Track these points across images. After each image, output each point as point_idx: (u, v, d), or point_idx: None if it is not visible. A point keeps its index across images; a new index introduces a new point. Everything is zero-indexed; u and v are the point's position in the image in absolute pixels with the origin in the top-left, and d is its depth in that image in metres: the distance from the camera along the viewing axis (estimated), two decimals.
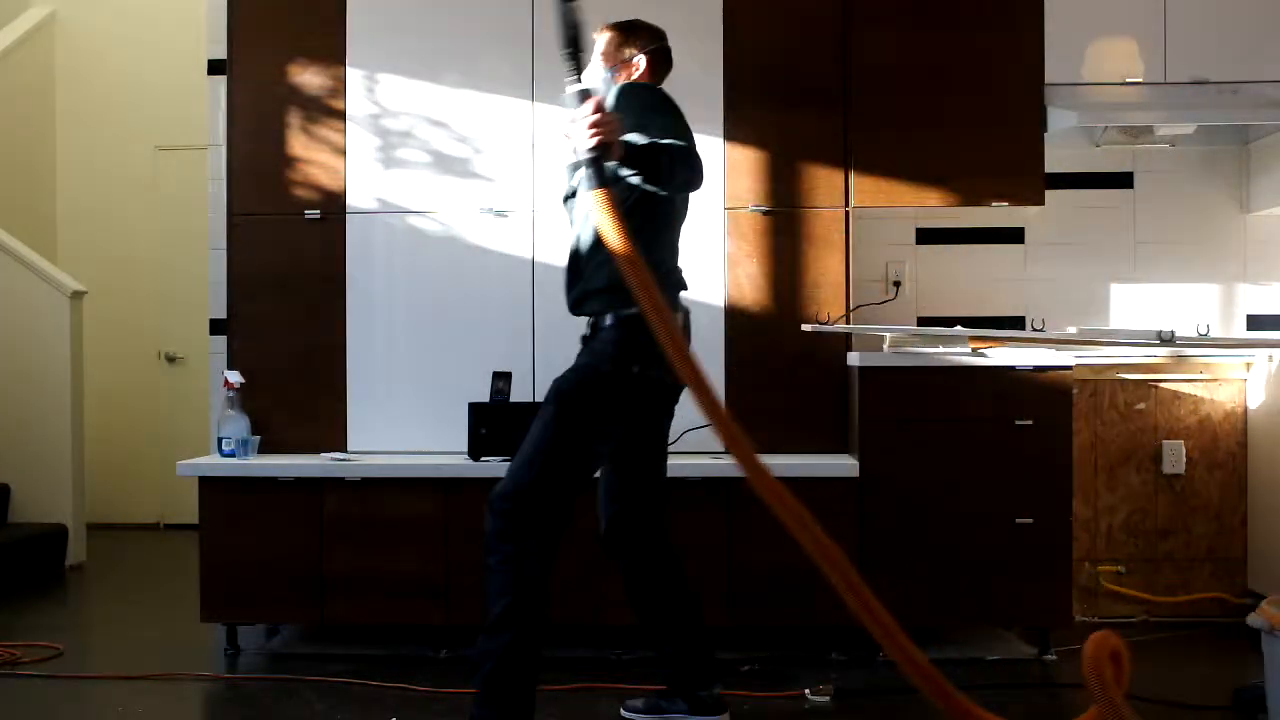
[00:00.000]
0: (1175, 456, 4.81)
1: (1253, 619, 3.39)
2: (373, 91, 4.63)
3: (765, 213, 4.57)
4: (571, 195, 3.57)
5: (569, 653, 4.31)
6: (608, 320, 3.35)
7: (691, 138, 3.34)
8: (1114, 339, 4.71)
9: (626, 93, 3.37)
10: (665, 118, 3.31)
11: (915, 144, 4.55)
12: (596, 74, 3.53)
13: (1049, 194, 4.60)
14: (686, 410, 4.52)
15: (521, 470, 3.23)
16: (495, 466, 4.30)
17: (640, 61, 3.58)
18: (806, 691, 3.85)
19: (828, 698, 3.81)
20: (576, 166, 3.49)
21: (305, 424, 4.60)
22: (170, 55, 7.36)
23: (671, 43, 4.58)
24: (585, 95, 2.79)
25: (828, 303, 4.56)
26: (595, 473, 3.44)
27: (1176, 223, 5.05)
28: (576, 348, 4.54)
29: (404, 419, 4.60)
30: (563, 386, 3.34)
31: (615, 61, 3.57)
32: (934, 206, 4.69)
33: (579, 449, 3.27)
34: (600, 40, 3.60)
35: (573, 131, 2.80)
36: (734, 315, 4.56)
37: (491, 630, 3.17)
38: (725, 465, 4.30)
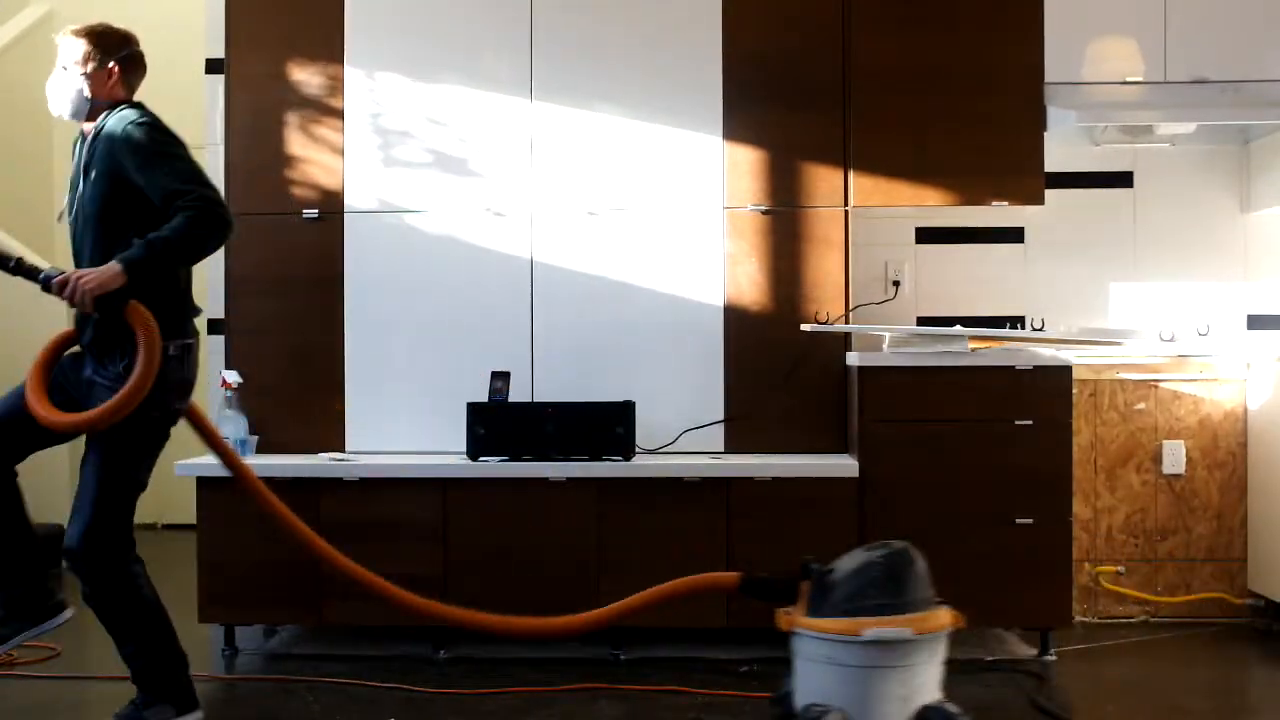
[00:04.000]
0: (1175, 457, 4.81)
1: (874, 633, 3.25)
2: (371, 91, 4.62)
3: (765, 212, 4.56)
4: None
5: (569, 653, 4.30)
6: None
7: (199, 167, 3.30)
8: (1113, 339, 4.71)
9: (129, 143, 3.27)
10: (177, 161, 3.26)
11: (915, 143, 4.54)
12: (70, 85, 3.36)
13: (1049, 193, 4.58)
14: (685, 410, 4.54)
15: None
16: (494, 466, 4.29)
17: (115, 70, 3.41)
18: None
19: None
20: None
21: (303, 424, 4.58)
22: (167, 54, 7.30)
23: (670, 42, 4.60)
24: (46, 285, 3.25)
25: (827, 302, 4.55)
26: None
27: (1177, 222, 5.03)
28: (575, 347, 4.56)
29: (402, 419, 4.58)
30: None
31: (89, 71, 3.38)
32: (933, 206, 4.68)
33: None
34: (71, 47, 3.37)
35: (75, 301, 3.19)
36: (733, 315, 4.56)
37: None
38: (725, 465, 4.29)
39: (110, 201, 3.30)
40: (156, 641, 3.41)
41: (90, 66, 3.39)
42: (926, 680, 3.20)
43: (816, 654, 3.25)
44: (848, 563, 3.29)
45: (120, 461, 3.34)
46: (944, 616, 3.21)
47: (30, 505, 6.37)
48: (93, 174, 3.32)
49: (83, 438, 3.41)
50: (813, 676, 3.26)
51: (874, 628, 3.17)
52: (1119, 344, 4.75)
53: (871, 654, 3.19)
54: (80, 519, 3.34)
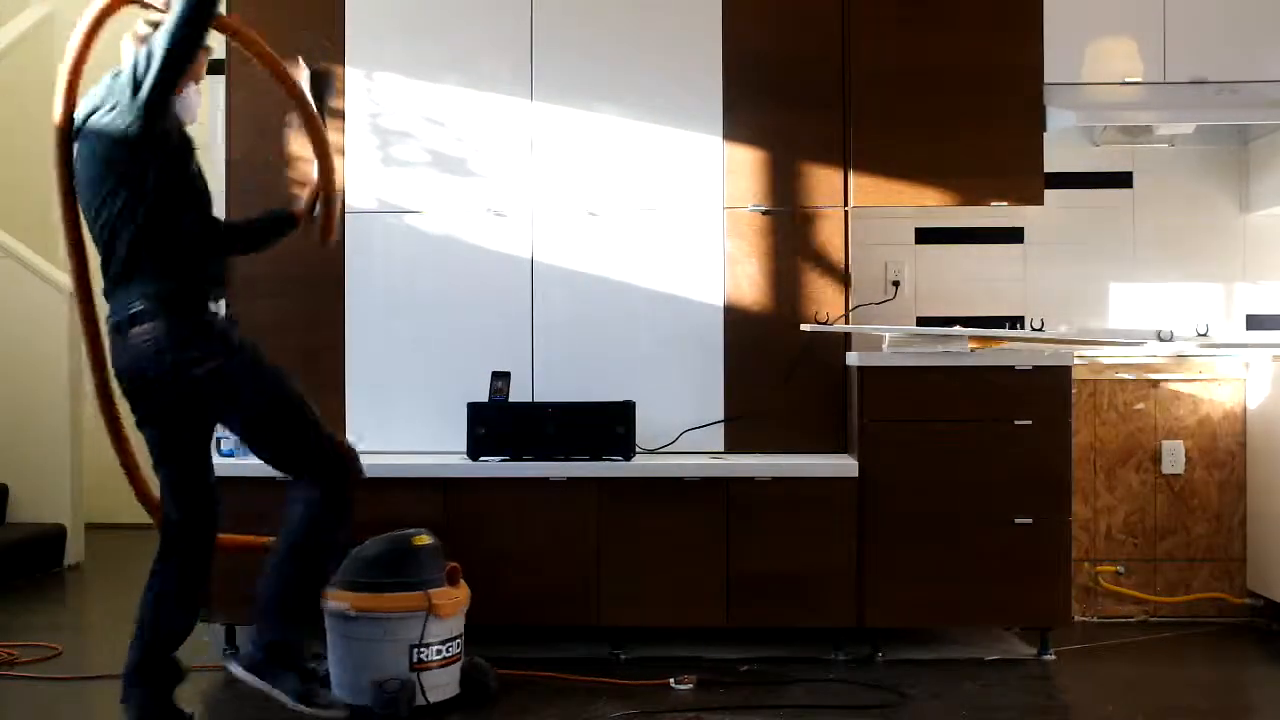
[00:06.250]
0: (1174, 456, 4.81)
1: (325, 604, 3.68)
2: (371, 91, 4.62)
3: (764, 212, 4.57)
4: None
5: (569, 653, 4.31)
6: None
7: None
8: (1112, 339, 4.72)
9: None
10: None
11: (914, 143, 4.54)
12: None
13: (1048, 193, 4.59)
14: (685, 410, 4.54)
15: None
16: (494, 466, 4.30)
17: None
18: (671, 681, 3.90)
19: (690, 686, 3.87)
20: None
21: None
22: None
23: (670, 43, 4.62)
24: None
25: (827, 302, 4.56)
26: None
27: (1176, 222, 5.04)
28: (576, 347, 4.57)
29: (403, 419, 4.59)
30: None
31: None
32: (933, 206, 4.69)
33: None
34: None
35: None
36: (733, 315, 4.56)
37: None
38: (725, 465, 4.30)
39: None
40: None
41: None
42: (388, 654, 3.57)
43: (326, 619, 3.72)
44: (365, 545, 3.71)
45: None
46: (410, 599, 3.58)
47: (29, 505, 6.39)
48: None
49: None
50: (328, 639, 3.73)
51: (328, 600, 3.62)
52: (1118, 344, 4.76)
53: (329, 621, 3.66)
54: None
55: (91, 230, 3.37)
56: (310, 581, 3.48)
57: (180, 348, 3.29)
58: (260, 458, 3.52)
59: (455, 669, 3.72)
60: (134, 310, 3.30)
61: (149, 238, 3.29)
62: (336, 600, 3.65)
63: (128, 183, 3.26)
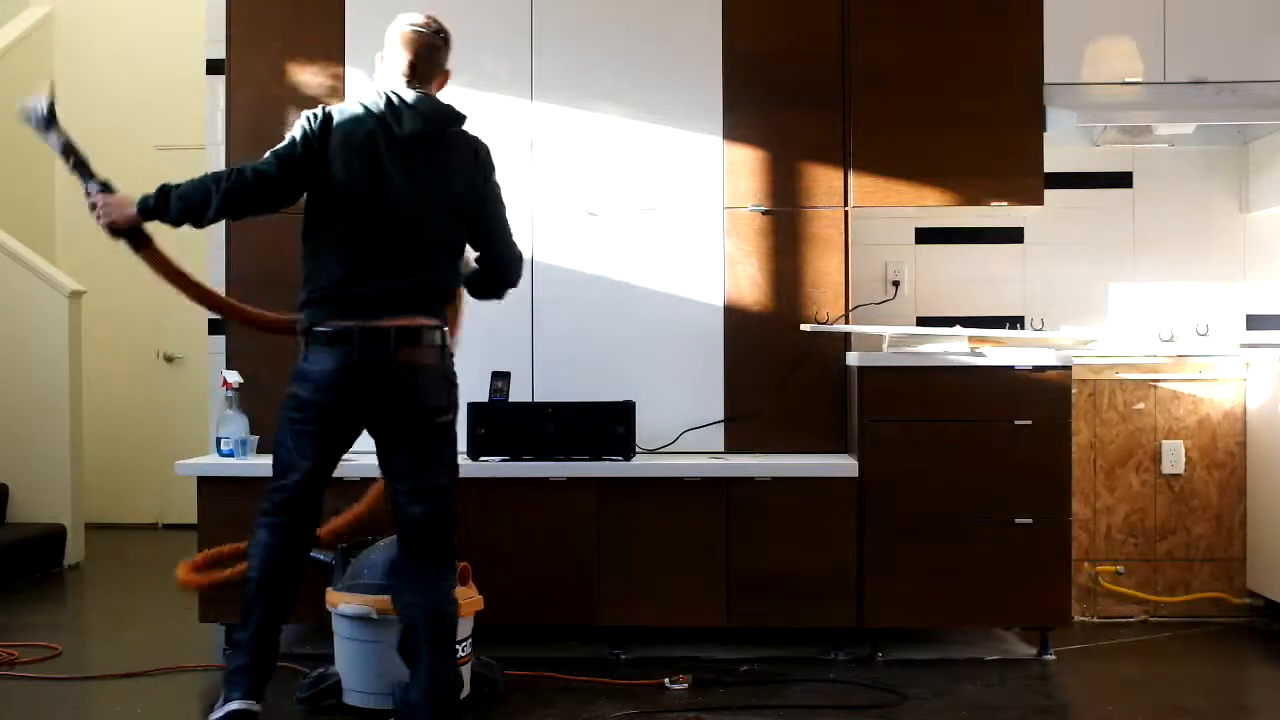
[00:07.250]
0: (1174, 456, 4.81)
1: (343, 609, 3.64)
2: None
3: (764, 212, 4.57)
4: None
5: (569, 653, 4.31)
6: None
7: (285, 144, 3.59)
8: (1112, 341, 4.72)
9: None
10: None
11: (914, 143, 4.54)
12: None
13: (1048, 194, 4.59)
14: (685, 410, 4.54)
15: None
16: (494, 466, 4.30)
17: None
18: (665, 680, 3.91)
19: (685, 686, 3.89)
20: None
21: None
22: (168, 54, 7.35)
23: (671, 42, 4.62)
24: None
25: (827, 302, 4.56)
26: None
27: (1176, 222, 5.05)
28: (576, 347, 4.57)
29: None
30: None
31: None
32: (933, 206, 4.69)
33: None
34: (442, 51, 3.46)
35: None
36: (733, 315, 4.56)
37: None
38: (725, 465, 4.30)
39: None
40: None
41: None
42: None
43: (335, 625, 3.70)
44: (373, 549, 3.68)
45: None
46: None
47: (29, 505, 6.39)
48: None
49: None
50: (337, 646, 3.70)
51: (343, 603, 3.60)
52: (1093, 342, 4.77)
53: (344, 625, 3.61)
54: None
55: (391, 224, 3.46)
56: (452, 654, 3.35)
57: (451, 390, 3.38)
58: (396, 497, 3.42)
59: (465, 670, 3.70)
60: (424, 332, 3.32)
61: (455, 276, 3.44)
62: (354, 604, 3.59)
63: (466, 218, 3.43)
